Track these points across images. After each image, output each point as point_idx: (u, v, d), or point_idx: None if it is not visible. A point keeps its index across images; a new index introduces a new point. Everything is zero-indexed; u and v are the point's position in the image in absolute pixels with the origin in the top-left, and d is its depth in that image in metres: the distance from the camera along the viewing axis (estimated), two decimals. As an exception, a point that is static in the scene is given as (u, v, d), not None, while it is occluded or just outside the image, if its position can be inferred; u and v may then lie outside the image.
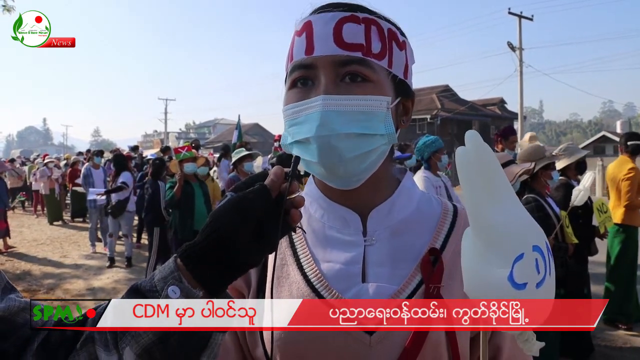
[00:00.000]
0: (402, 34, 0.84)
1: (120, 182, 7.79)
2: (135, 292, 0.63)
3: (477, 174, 0.61)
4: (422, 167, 4.37)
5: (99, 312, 0.66)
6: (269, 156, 7.46)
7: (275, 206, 0.66)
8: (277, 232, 0.65)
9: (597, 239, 4.37)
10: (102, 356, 0.62)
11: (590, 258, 4.25)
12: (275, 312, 0.81)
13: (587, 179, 3.22)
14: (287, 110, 0.80)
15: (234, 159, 6.15)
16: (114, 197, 7.83)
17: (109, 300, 0.67)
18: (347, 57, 0.76)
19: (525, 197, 3.68)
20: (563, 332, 3.78)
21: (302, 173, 0.82)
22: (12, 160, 17.23)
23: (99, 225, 9.08)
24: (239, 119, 9.71)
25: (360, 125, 0.75)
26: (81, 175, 9.39)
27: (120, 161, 8.30)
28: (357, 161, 0.77)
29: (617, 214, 4.90)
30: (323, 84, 0.76)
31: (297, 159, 0.73)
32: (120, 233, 8.34)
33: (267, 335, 0.81)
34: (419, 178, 4.16)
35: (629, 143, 4.97)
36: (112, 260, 7.93)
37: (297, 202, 0.68)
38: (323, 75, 0.76)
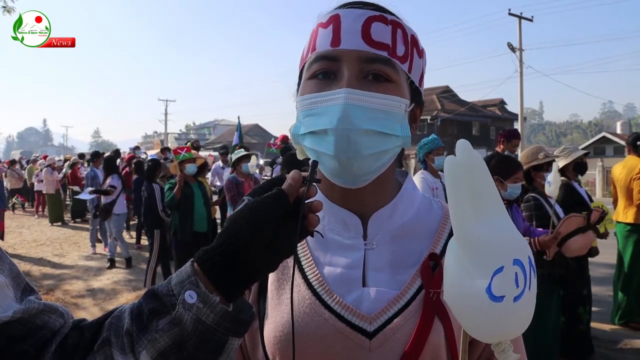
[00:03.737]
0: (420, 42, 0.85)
1: (109, 186, 7.85)
2: (152, 296, 0.63)
3: (464, 184, 0.60)
4: (422, 168, 4.36)
5: (116, 315, 0.66)
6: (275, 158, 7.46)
7: (292, 211, 0.65)
8: (294, 237, 0.65)
9: (597, 242, 4.36)
10: (118, 359, 0.62)
11: (590, 259, 4.25)
12: (277, 314, 0.81)
13: (553, 171, 3.22)
14: (304, 100, 0.79)
15: (232, 160, 6.15)
16: (102, 200, 7.89)
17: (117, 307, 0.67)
18: (374, 55, 0.76)
19: (526, 196, 3.69)
20: (563, 333, 3.78)
21: (319, 177, 0.82)
22: (13, 162, 17.25)
23: (98, 227, 9.10)
24: (239, 121, 9.71)
25: (380, 124, 0.75)
26: (85, 178, 9.49)
27: (111, 164, 8.36)
28: (372, 159, 0.76)
29: (628, 214, 4.90)
30: (346, 78, 0.75)
31: (315, 163, 0.72)
32: (109, 236, 8.28)
33: (267, 336, 0.81)
34: (417, 179, 4.16)
35: (638, 143, 4.97)
36: (112, 262, 7.93)
37: (315, 207, 0.68)
38: (347, 69, 0.76)
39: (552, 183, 3.20)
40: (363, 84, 0.76)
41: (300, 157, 0.86)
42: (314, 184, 0.68)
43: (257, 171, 6.71)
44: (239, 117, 9.74)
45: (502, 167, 3.29)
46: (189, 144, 8.60)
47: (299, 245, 0.87)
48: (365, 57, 0.76)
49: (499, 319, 0.59)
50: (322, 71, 0.79)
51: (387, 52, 0.77)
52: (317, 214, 0.68)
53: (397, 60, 0.78)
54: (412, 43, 0.81)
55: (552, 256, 3.27)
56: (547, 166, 3.72)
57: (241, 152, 6.09)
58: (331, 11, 0.81)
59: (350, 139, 0.73)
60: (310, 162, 0.75)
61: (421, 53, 0.84)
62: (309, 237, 0.85)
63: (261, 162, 7.53)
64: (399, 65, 0.78)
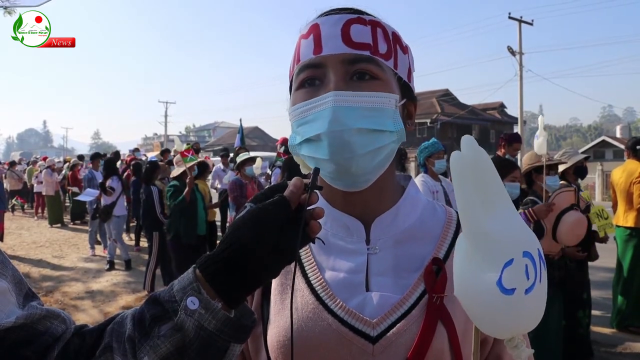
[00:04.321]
0: (403, 40, 0.86)
1: (108, 187, 7.89)
2: (154, 302, 0.64)
3: (471, 179, 0.61)
4: (422, 172, 4.37)
5: (118, 321, 0.66)
6: (274, 162, 7.44)
7: (294, 218, 0.66)
8: (296, 244, 0.65)
9: (597, 246, 4.36)
10: None
11: (590, 263, 4.25)
12: (280, 319, 0.81)
13: (540, 126, 3.28)
14: (295, 110, 0.80)
15: (237, 162, 6.21)
16: (102, 201, 7.90)
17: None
18: (356, 56, 0.77)
19: (525, 199, 3.70)
20: (564, 337, 3.78)
21: (321, 184, 0.82)
22: (13, 163, 17.24)
23: (98, 228, 9.08)
24: (241, 123, 9.71)
25: (371, 121, 0.75)
26: (84, 180, 9.53)
27: (111, 166, 8.38)
28: (369, 157, 0.76)
29: (629, 218, 4.89)
30: (333, 82, 0.76)
31: (317, 170, 0.72)
32: (109, 238, 8.23)
33: (270, 341, 0.81)
34: (418, 182, 4.16)
35: (638, 147, 4.98)
36: (111, 264, 7.92)
37: (317, 214, 0.68)
38: (332, 73, 0.77)
39: (540, 136, 3.24)
40: (350, 85, 0.77)
41: (304, 171, 0.86)
42: (316, 190, 0.68)
43: (264, 178, 6.74)
44: (240, 120, 9.75)
45: (498, 167, 3.31)
46: (187, 146, 8.62)
47: (302, 250, 0.87)
48: (348, 59, 0.77)
49: (511, 312, 0.59)
50: (309, 80, 0.80)
51: (369, 51, 0.78)
52: (319, 220, 0.68)
53: (380, 58, 0.79)
54: (394, 40, 0.82)
55: (547, 248, 3.30)
56: (547, 169, 3.72)
57: (246, 155, 6.17)
58: (310, 22, 0.82)
59: (343, 140, 0.74)
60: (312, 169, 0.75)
61: (405, 49, 0.85)
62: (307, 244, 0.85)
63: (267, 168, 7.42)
64: (382, 62, 0.79)
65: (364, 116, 0.75)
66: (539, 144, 3.26)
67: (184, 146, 7.96)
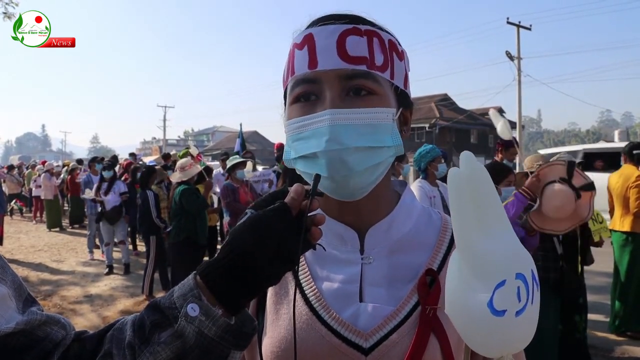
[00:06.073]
0: (399, 44, 0.83)
1: (121, 192, 7.95)
2: (154, 309, 0.63)
3: (468, 198, 0.60)
4: (420, 177, 4.38)
5: (118, 327, 0.66)
6: (275, 167, 7.44)
7: (295, 224, 0.66)
8: (297, 250, 0.65)
9: (593, 250, 4.37)
10: None
11: (586, 268, 4.25)
12: (275, 329, 0.81)
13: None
14: (291, 125, 0.78)
15: (228, 166, 6.22)
16: (109, 204, 7.89)
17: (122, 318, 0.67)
18: (353, 71, 0.75)
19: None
20: (560, 341, 3.78)
21: (322, 191, 0.81)
22: (11, 167, 17.21)
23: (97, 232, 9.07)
24: (241, 128, 9.65)
25: (369, 138, 0.74)
26: (82, 183, 9.54)
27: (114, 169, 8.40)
28: (367, 174, 0.76)
29: (625, 223, 4.89)
30: (329, 98, 0.75)
31: (318, 177, 0.71)
32: (116, 240, 8.16)
33: (265, 352, 0.81)
34: (415, 187, 4.17)
35: (634, 152, 4.98)
36: (110, 268, 7.91)
37: (318, 220, 0.68)
38: (328, 89, 0.75)
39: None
40: (346, 101, 0.75)
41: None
42: (316, 197, 0.68)
43: (267, 184, 6.74)
44: (240, 125, 9.65)
45: (493, 172, 3.33)
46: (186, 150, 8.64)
47: None
48: (344, 75, 0.75)
49: (500, 333, 0.58)
50: (304, 95, 0.78)
51: (366, 65, 0.75)
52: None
53: (377, 71, 0.77)
54: (391, 48, 0.79)
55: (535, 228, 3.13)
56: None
57: (236, 159, 6.15)
58: (304, 30, 0.80)
59: (342, 159, 0.73)
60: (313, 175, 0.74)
61: (401, 55, 0.82)
62: (306, 252, 0.84)
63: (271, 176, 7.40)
64: (379, 75, 0.77)
65: (362, 133, 0.74)
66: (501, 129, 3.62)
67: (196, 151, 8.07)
